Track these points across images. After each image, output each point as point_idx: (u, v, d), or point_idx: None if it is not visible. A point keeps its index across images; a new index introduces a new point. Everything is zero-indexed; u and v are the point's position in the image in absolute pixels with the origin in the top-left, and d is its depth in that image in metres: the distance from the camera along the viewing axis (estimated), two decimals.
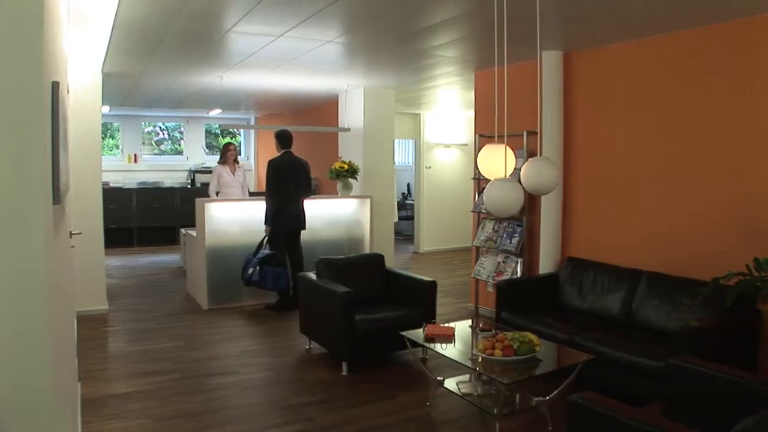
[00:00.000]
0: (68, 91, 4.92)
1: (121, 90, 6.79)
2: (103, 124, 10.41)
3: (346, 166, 6.23)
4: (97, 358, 4.33)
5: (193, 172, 9.71)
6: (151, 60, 4.97)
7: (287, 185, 5.50)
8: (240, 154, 11.48)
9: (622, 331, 3.77)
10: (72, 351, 3.57)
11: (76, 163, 5.21)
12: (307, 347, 4.52)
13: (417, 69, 5.60)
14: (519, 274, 4.99)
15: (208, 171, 9.82)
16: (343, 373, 4.00)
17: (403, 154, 10.46)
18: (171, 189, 9.50)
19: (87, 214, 5.30)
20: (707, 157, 3.79)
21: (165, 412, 3.42)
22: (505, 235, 5.14)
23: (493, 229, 5.28)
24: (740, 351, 3.38)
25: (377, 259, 4.71)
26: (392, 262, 7.20)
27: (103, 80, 5.37)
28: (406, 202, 10.53)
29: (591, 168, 4.60)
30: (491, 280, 5.16)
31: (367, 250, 6.45)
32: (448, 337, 3.40)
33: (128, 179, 9.62)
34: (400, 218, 9.21)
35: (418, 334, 3.48)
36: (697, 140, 3.85)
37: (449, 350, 3.25)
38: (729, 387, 2.37)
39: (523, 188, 2.74)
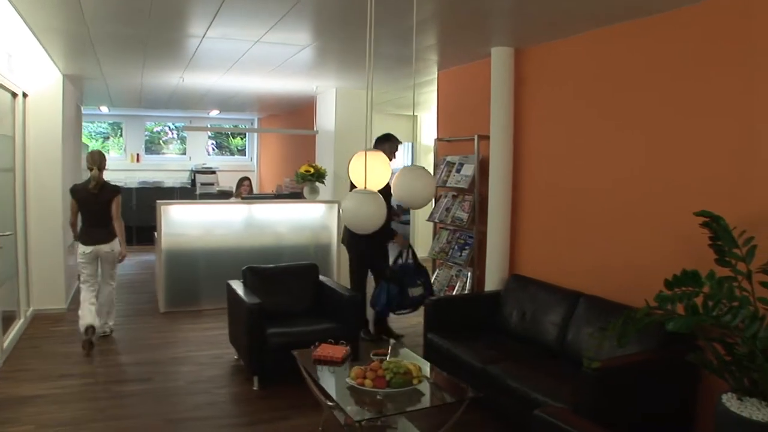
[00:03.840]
0: (23, 95, 5.02)
1: (99, 91, 6.91)
2: (111, 124, 10.76)
3: (312, 170, 6.05)
4: (27, 357, 4.35)
5: (194, 173, 9.83)
6: (99, 61, 4.97)
7: None
8: (244, 155, 11.57)
9: (545, 362, 3.38)
10: None
11: (36, 164, 5.33)
12: (236, 357, 4.38)
13: (381, 69, 5.33)
14: (468, 289, 4.64)
15: (209, 171, 9.92)
16: (254, 388, 3.83)
17: (403, 157, 10.17)
18: (171, 189, 9.66)
19: (46, 215, 5.40)
20: (671, 170, 3.18)
21: (54, 418, 3.36)
22: (456, 246, 4.79)
23: (446, 240, 4.94)
24: (677, 399, 2.91)
25: (310, 269, 4.49)
26: None
27: (64, 82, 5.44)
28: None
29: (542, 177, 4.17)
30: (442, 295, 4.83)
31: (334, 257, 6.25)
32: (337, 360, 3.14)
33: (130, 178, 9.86)
34: (402, 224, 8.92)
35: (308, 354, 3.24)
36: (661, 150, 3.25)
37: (325, 375, 3.00)
38: None
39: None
